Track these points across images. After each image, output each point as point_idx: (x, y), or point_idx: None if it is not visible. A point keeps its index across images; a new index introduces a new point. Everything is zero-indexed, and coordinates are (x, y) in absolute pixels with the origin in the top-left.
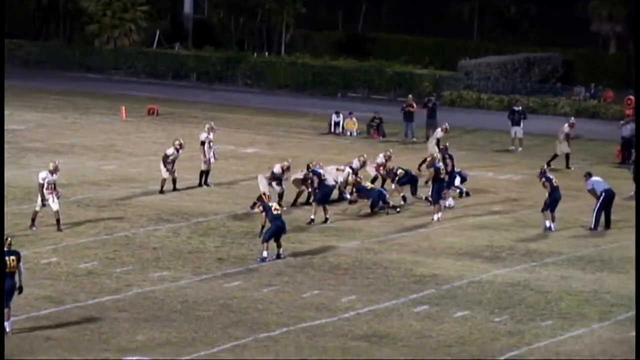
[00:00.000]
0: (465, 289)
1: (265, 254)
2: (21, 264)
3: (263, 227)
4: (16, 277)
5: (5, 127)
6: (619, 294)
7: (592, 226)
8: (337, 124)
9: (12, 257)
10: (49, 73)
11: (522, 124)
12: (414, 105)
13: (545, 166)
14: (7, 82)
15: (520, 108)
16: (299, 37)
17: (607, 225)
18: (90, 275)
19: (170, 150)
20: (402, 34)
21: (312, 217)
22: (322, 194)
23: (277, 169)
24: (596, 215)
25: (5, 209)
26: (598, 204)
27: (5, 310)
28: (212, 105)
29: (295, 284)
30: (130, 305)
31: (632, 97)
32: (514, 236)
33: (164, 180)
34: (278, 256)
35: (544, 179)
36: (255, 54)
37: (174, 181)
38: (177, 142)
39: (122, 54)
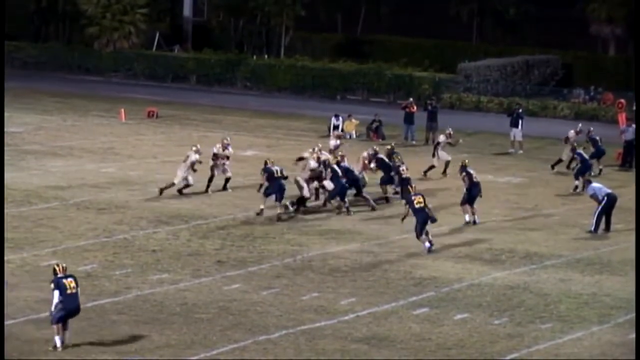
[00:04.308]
0: (464, 292)
1: None
2: (78, 288)
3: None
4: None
5: (4, 130)
6: (618, 296)
7: (593, 229)
8: (336, 127)
9: (70, 279)
10: (48, 75)
11: (520, 126)
12: (415, 106)
13: (466, 161)
14: (6, 84)
15: (520, 110)
16: (299, 40)
17: (607, 228)
18: (90, 278)
19: (195, 156)
20: (402, 36)
21: (262, 207)
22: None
23: (312, 164)
24: (597, 218)
25: (4, 212)
26: (600, 207)
27: (58, 326)
28: (211, 107)
29: (294, 286)
30: (129, 308)
31: (622, 100)
32: (514, 239)
33: (187, 185)
34: None
35: (464, 174)
36: (254, 57)
37: (188, 186)
38: (194, 148)
39: (122, 57)
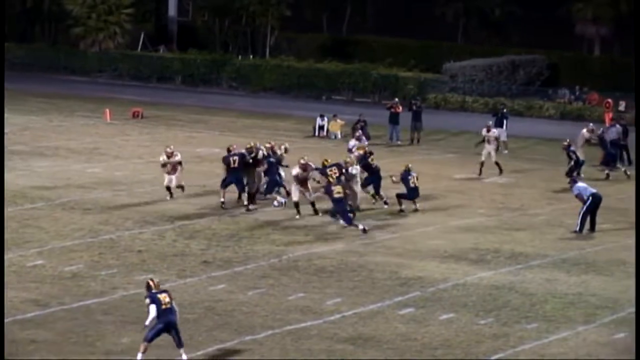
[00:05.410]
0: (450, 292)
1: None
2: (174, 302)
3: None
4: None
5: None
6: (603, 296)
7: (578, 229)
8: (321, 127)
9: (164, 295)
10: (34, 76)
11: (505, 126)
12: (400, 107)
13: (410, 165)
14: None
15: (505, 110)
16: (284, 40)
17: (592, 228)
18: (76, 278)
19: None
20: (387, 36)
21: (222, 199)
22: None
23: (294, 171)
24: (582, 218)
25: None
26: (585, 207)
27: (146, 345)
28: (196, 108)
29: (280, 286)
30: (115, 308)
31: (610, 100)
32: (499, 239)
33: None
34: None
35: (400, 177)
36: (239, 57)
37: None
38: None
39: (107, 57)
